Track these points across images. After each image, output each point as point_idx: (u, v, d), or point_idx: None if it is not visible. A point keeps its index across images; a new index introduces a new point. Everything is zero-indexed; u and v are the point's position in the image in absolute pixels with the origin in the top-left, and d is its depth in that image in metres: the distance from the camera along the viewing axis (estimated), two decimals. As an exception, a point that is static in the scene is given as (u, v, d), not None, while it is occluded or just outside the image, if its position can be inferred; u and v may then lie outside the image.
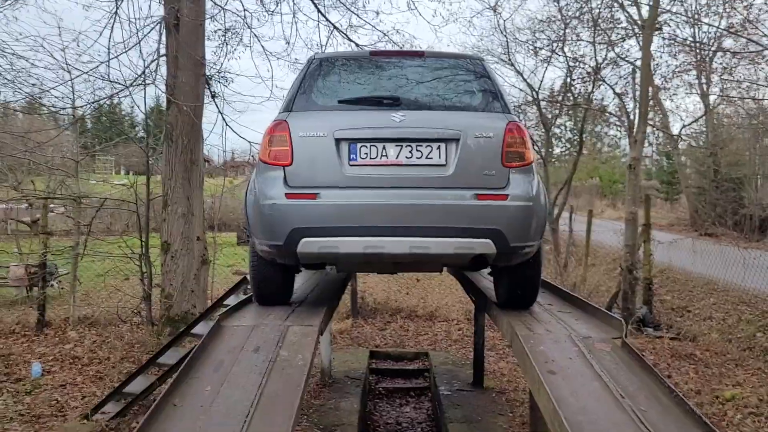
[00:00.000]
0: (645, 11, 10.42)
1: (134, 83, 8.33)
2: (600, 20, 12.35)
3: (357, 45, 10.77)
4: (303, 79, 4.46)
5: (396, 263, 4.62)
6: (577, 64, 14.48)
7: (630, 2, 10.98)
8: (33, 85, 9.30)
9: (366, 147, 4.08)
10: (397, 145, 4.08)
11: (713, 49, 21.77)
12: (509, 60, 16.14)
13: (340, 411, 6.48)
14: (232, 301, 6.01)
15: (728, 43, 22.99)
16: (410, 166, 4.07)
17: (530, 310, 4.54)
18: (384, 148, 4.08)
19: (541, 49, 15.09)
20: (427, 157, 4.07)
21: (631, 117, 11.31)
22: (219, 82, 9.09)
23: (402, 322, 10.40)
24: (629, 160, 10.43)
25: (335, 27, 10.88)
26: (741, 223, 27.88)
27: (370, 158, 4.07)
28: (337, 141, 4.07)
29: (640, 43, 10.47)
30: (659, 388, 3.13)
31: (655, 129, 29.22)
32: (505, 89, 4.63)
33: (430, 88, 4.44)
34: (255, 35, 11.48)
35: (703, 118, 28.36)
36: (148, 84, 8.18)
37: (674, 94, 29.84)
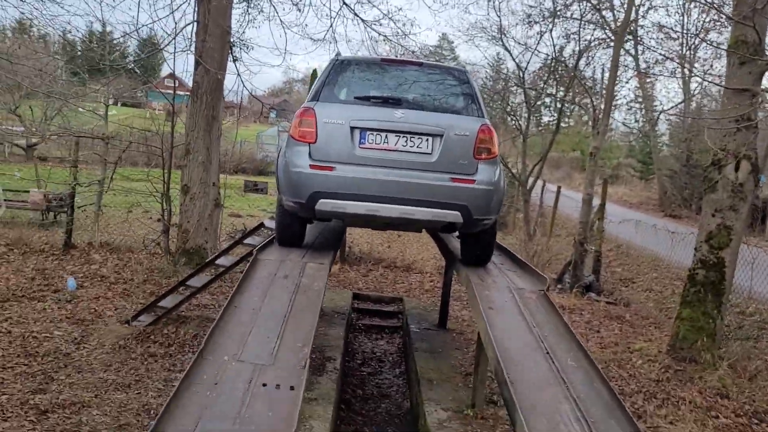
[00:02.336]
0: (620, 16, 11.73)
1: (168, 44, 9.51)
2: (581, 19, 13.63)
3: (363, 21, 11.99)
4: (328, 75, 5.80)
5: (387, 223, 6.07)
6: (556, 56, 15.76)
7: (606, 8, 12.28)
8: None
9: (373, 135, 5.47)
10: (396, 136, 5.47)
11: (698, 39, 22.99)
12: (501, 41, 17.35)
13: (329, 336, 7.98)
14: (250, 241, 7.44)
15: (712, 36, 24.31)
16: (404, 152, 5.46)
17: (485, 267, 6.02)
18: (386, 136, 5.47)
19: (536, 23, 16.19)
20: (417, 147, 5.47)
21: (597, 111, 12.68)
22: (241, 48, 10.29)
23: (382, 271, 11.92)
24: (591, 148, 11.89)
25: (345, 2, 12.05)
26: (704, 208, 29.63)
27: (375, 144, 5.47)
28: (352, 128, 5.44)
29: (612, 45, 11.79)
30: (561, 324, 4.63)
31: (640, 109, 30.68)
32: (481, 96, 6.01)
33: (425, 92, 5.81)
34: (274, 7, 12.55)
35: (682, 104, 29.81)
36: (184, 51, 9.36)
37: (656, 80, 31.17)
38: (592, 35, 14.86)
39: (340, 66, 5.89)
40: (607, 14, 13.86)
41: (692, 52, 27.19)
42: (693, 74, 26.52)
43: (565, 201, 19.59)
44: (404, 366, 8.37)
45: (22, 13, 11.38)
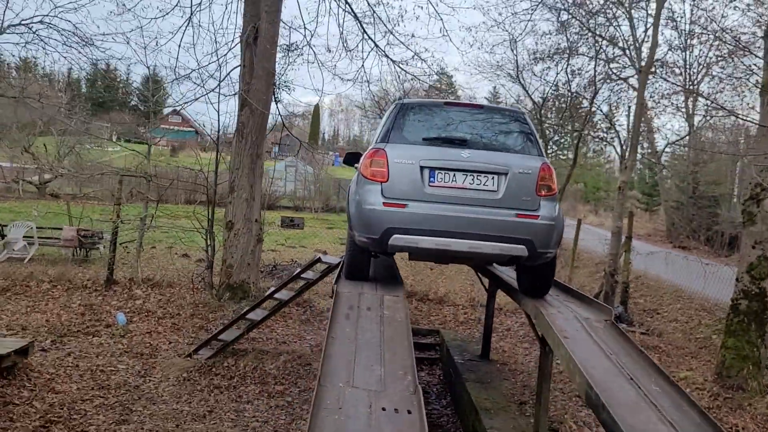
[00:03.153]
0: (644, 55, 12.23)
1: (215, 89, 9.94)
2: (601, 55, 14.12)
3: (393, 61, 12.45)
4: (395, 119, 6.16)
5: (454, 257, 6.38)
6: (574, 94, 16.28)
7: (631, 47, 12.78)
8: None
9: (441, 174, 5.80)
10: (463, 174, 5.80)
11: (701, 74, 23.58)
12: (519, 79, 17.88)
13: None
14: (308, 275, 7.73)
15: (715, 70, 24.87)
16: (472, 190, 5.79)
17: (545, 298, 6.29)
18: (454, 175, 5.80)
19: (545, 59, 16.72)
20: (484, 185, 5.80)
21: (624, 147, 13.08)
22: (283, 89, 10.71)
23: (416, 304, 12.17)
24: (620, 182, 12.27)
25: (376, 44, 12.52)
26: (713, 239, 30.04)
27: (444, 182, 5.79)
28: (422, 168, 5.78)
29: (637, 81, 12.25)
30: (634, 351, 4.90)
31: (643, 143, 31.20)
32: (538, 136, 6.36)
33: (487, 133, 6.17)
34: (313, 51, 13.03)
35: (687, 137, 30.33)
36: (231, 95, 9.77)
37: (661, 112, 31.84)
38: (610, 72, 15.38)
39: (404, 109, 6.26)
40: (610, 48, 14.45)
41: (696, 86, 27.80)
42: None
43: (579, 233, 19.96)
44: (450, 397, 8.57)
45: (65, 58, 11.85)
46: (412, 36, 17.17)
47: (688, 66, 25.04)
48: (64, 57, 16.03)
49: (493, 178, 5.81)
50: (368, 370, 4.21)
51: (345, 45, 10.96)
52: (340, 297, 5.45)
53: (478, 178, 5.81)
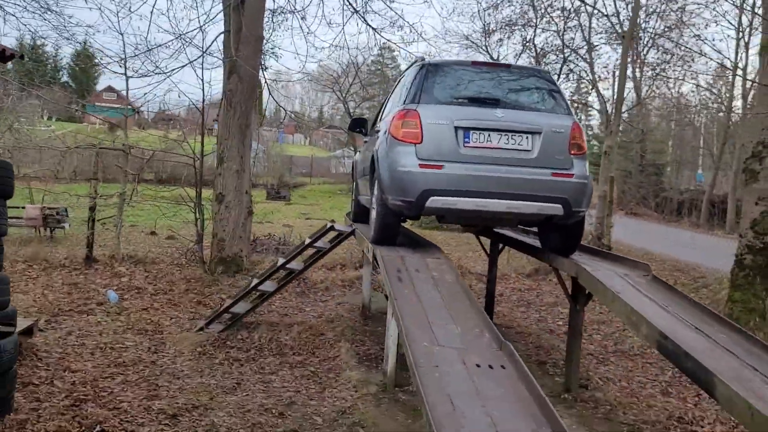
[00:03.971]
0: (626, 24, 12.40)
1: (201, 57, 9.52)
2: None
3: (371, 27, 12.25)
4: (424, 79, 6.02)
5: (489, 219, 6.34)
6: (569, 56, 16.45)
7: (614, 14, 12.95)
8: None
9: (476, 134, 5.72)
10: (498, 134, 5.74)
11: (648, 45, 24.15)
12: (486, 49, 17.89)
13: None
14: (320, 243, 7.57)
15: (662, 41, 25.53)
16: (507, 150, 5.74)
17: (576, 259, 6.30)
18: (489, 135, 5.74)
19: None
20: (518, 144, 5.76)
21: (609, 111, 13.28)
22: (270, 56, 10.37)
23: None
24: (605, 147, 12.48)
25: (355, 10, 12.27)
26: (662, 205, 31.16)
27: (479, 142, 5.72)
28: (456, 128, 5.69)
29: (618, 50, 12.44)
30: (687, 303, 4.98)
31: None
32: (566, 95, 6.36)
33: (518, 92, 6.11)
34: (297, 16, 12.67)
35: (635, 108, 31.15)
36: (215, 66, 9.38)
37: (612, 84, 32.66)
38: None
39: (431, 69, 6.12)
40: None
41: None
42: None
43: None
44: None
45: (25, 25, 11.06)
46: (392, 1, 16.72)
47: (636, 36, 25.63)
48: (24, 25, 15.02)
49: (527, 137, 5.78)
50: (444, 329, 4.15)
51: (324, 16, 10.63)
52: (385, 260, 5.35)
53: (513, 137, 5.76)
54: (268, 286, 7.50)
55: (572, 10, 14.32)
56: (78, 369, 6.22)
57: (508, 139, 5.75)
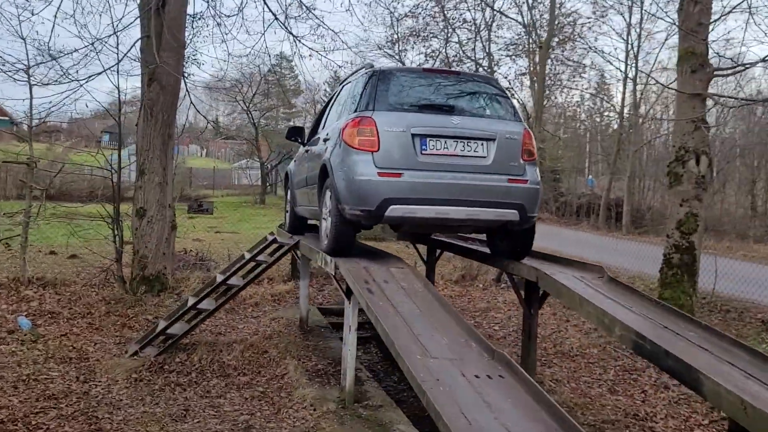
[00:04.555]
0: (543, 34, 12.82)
1: (117, 64, 8.96)
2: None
3: (294, 36, 12.01)
4: (376, 85, 5.90)
5: (447, 226, 6.27)
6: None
7: (532, 29, 13.37)
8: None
9: (433, 141, 5.66)
10: (455, 141, 5.71)
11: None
12: (399, 57, 18.04)
13: (335, 350, 7.93)
14: (263, 258, 7.26)
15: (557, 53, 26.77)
16: (463, 157, 5.71)
17: (531, 264, 6.31)
18: (446, 142, 5.70)
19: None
20: (474, 151, 5.75)
21: (530, 119, 13.66)
22: (194, 63, 9.90)
23: (336, 284, 11.89)
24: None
25: (275, 17, 11.97)
26: (561, 209, 32.56)
27: (437, 149, 5.67)
28: (413, 135, 5.60)
29: (536, 60, 12.84)
30: (646, 301, 5.10)
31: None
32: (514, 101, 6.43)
33: (470, 99, 6.10)
34: (218, 22, 12.20)
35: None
36: (150, 65, 8.82)
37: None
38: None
39: (383, 76, 6.01)
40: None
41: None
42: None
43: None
44: (400, 373, 8.47)
45: None
46: (308, 10, 16.49)
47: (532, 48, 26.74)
48: None
49: (482, 144, 5.78)
50: (432, 340, 4.04)
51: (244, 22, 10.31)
52: (352, 273, 5.16)
53: (469, 144, 5.75)
54: (207, 304, 7.09)
55: (483, 21, 14.71)
56: (3, 405, 5.60)
57: (464, 146, 5.73)
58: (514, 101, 6.52)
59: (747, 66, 8.63)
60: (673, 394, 6.46)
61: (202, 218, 26.31)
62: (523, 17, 13.60)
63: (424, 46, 18.02)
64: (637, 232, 24.95)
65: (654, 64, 27.70)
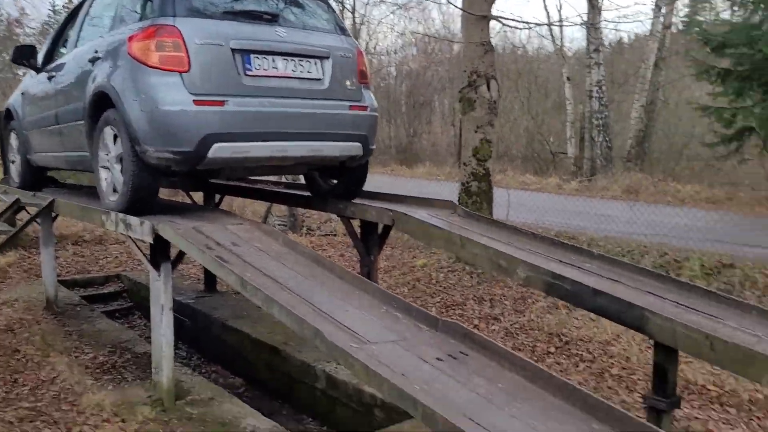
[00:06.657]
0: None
1: None
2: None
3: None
4: None
5: (284, 166, 5.06)
6: None
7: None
8: None
9: (259, 58, 4.41)
10: (283, 59, 4.52)
11: None
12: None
13: (110, 333, 6.30)
14: None
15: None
16: (296, 79, 4.57)
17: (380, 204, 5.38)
18: (273, 60, 4.48)
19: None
20: (307, 72, 4.64)
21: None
22: None
23: (73, 249, 9.68)
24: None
25: None
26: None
27: (264, 69, 4.43)
28: (233, 51, 4.29)
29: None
30: (516, 232, 4.62)
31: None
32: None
33: (292, 7, 4.89)
34: None
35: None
36: None
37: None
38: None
39: None
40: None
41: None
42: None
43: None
44: (199, 346, 7.06)
45: None
46: None
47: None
48: None
49: (316, 63, 4.72)
50: (351, 318, 3.00)
51: None
52: (183, 237, 3.76)
53: (301, 63, 4.66)
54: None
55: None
56: None
57: (295, 66, 4.59)
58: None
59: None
60: (506, 325, 6.29)
61: None
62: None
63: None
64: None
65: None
